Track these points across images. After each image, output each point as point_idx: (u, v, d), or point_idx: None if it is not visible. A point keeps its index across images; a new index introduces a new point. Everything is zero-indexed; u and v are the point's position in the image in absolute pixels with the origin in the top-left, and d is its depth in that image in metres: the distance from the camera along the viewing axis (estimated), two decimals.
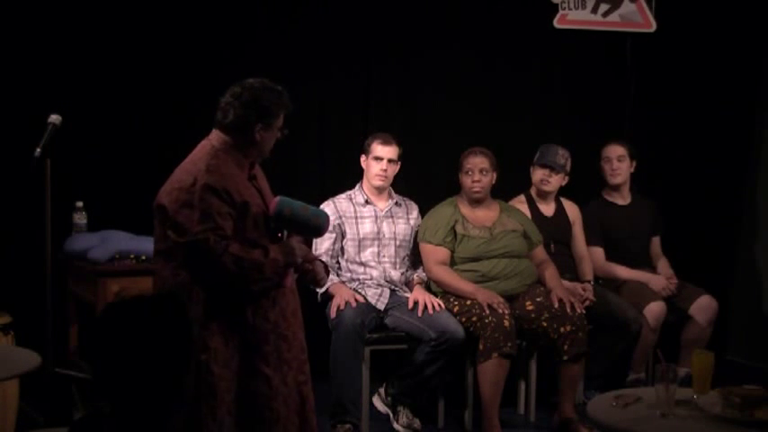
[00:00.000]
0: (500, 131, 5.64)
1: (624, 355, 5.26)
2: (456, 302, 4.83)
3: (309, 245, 3.65)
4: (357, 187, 5.03)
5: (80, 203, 4.89)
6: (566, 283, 5.10)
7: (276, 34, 5.35)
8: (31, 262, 4.15)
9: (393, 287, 4.92)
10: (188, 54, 5.15)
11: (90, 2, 5.00)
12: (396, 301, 4.86)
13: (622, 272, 5.41)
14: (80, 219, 4.88)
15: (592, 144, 5.59)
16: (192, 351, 2.21)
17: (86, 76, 4.98)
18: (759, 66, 6.07)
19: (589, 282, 5.29)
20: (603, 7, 5.70)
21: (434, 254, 4.93)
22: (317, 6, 5.43)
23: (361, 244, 4.93)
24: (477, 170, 4.97)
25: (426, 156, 5.55)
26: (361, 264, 4.92)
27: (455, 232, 4.95)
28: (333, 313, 4.69)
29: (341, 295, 4.73)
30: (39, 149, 3.82)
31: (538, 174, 5.32)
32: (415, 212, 5.12)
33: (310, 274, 3.56)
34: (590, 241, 5.43)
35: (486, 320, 4.67)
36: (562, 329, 4.78)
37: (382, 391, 5.03)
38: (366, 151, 4.97)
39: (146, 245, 4.65)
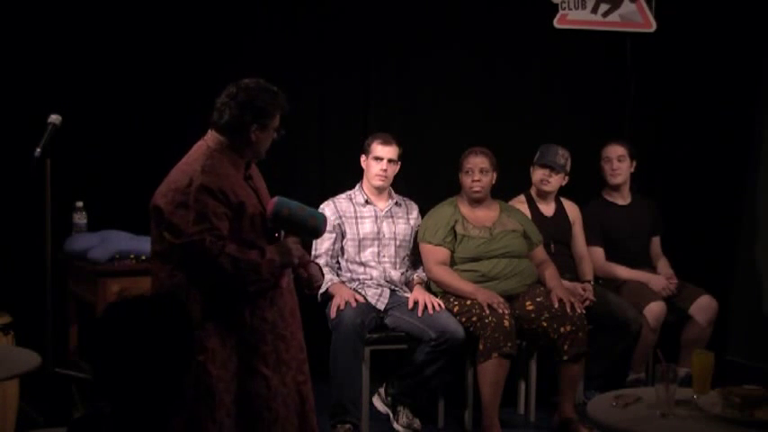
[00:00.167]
0: (500, 131, 5.63)
1: (624, 355, 5.26)
2: (456, 302, 4.83)
3: (308, 246, 3.65)
4: (357, 187, 5.03)
5: (80, 203, 4.89)
6: (566, 283, 5.10)
7: (276, 34, 5.35)
8: (31, 262, 4.16)
9: (393, 287, 4.92)
10: (188, 54, 5.15)
11: (90, 2, 5.00)
12: (396, 301, 4.86)
13: (622, 272, 5.41)
14: (80, 219, 4.88)
15: (592, 144, 5.59)
16: (192, 352, 2.21)
17: (86, 76, 4.98)
18: (759, 65, 6.07)
19: (589, 282, 5.29)
20: (603, 7, 5.70)
21: (434, 254, 4.93)
22: (317, 6, 5.43)
23: (361, 244, 4.93)
24: (478, 170, 4.97)
25: (426, 156, 5.55)
26: (361, 264, 4.92)
27: (455, 232, 4.95)
28: (333, 313, 4.69)
29: (341, 295, 4.73)
30: (39, 149, 3.82)
31: (538, 174, 5.32)
32: (415, 212, 5.12)
33: (305, 280, 3.56)
34: (590, 241, 5.43)
35: (486, 320, 4.67)
36: (562, 329, 4.78)
37: (382, 391, 5.03)
38: (366, 151, 4.97)
39: (146, 245, 4.62)
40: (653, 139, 6.01)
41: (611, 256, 5.46)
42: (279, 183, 3.86)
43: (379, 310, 4.81)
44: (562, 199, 5.44)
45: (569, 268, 5.30)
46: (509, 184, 5.32)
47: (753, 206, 6.18)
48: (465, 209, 5.03)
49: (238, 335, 3.35)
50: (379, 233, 4.96)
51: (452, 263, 4.95)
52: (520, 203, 5.31)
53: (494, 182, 5.04)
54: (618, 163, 5.49)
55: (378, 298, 4.82)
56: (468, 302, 4.78)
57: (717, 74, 5.99)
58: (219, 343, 3.31)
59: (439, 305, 4.77)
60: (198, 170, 3.30)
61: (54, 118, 3.95)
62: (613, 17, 5.72)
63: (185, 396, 2.16)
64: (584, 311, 4.89)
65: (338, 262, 4.96)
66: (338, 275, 4.91)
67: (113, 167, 5.04)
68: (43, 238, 3.90)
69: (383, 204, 5.02)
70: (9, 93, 4.87)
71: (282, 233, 3.50)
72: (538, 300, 4.87)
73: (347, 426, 4.60)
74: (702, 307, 5.34)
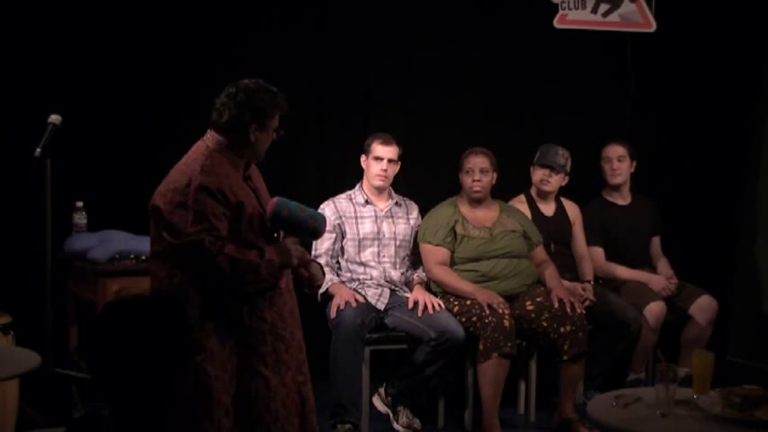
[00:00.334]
0: (500, 131, 5.64)
1: (624, 355, 5.26)
2: (456, 302, 4.83)
3: (308, 246, 3.65)
4: (357, 187, 5.03)
5: (80, 203, 4.89)
6: (566, 283, 5.10)
7: (275, 34, 5.35)
8: (31, 262, 4.15)
9: (393, 287, 4.92)
10: (188, 54, 5.16)
11: (90, 2, 5.00)
12: (396, 301, 4.86)
13: (622, 272, 5.41)
14: (80, 219, 4.88)
15: (592, 144, 5.59)
16: (190, 351, 2.21)
17: (86, 76, 4.98)
18: (759, 66, 6.06)
19: (589, 282, 5.29)
20: (603, 7, 5.70)
21: (434, 254, 4.93)
22: (317, 6, 5.43)
23: (361, 244, 4.93)
24: (478, 170, 4.97)
25: (426, 156, 5.55)
26: (361, 264, 4.93)
27: (455, 232, 4.95)
28: (333, 313, 4.69)
29: (341, 295, 4.73)
30: (39, 149, 3.81)
31: (538, 174, 5.32)
32: (415, 212, 5.12)
33: (306, 279, 3.55)
34: (590, 241, 5.43)
35: (486, 320, 4.67)
36: (562, 329, 4.78)
37: (382, 391, 5.03)
38: (366, 151, 4.97)
39: (146, 245, 4.60)
40: (653, 139, 6.01)
41: (611, 256, 5.46)
42: (279, 183, 3.86)
43: (379, 310, 4.81)
44: (562, 199, 5.44)
45: (569, 268, 5.30)
46: (509, 184, 5.32)
47: (753, 206, 6.17)
48: (465, 209, 5.03)
49: (237, 335, 3.35)
50: (379, 233, 4.96)
51: (452, 263, 4.95)
52: (520, 203, 5.31)
53: (494, 182, 5.04)
54: (618, 163, 5.49)
55: (378, 298, 4.82)
56: (468, 302, 4.78)
57: (717, 74, 5.98)
58: (218, 343, 3.31)
59: (439, 305, 4.77)
60: (197, 170, 3.29)
61: (54, 118, 3.95)
62: (613, 17, 5.72)
63: (183, 396, 2.15)
64: (584, 311, 4.89)
65: (338, 262, 4.96)
66: (338, 275, 4.91)
67: (113, 167, 5.04)
68: (43, 238, 3.89)
69: (383, 204, 5.02)
70: (9, 93, 4.87)
71: (282, 233, 3.49)
72: (538, 300, 4.87)
73: (347, 426, 4.60)
74: (702, 307, 5.34)
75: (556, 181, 5.30)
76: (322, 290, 4.71)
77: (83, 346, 4.82)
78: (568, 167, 5.31)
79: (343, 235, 4.93)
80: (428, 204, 5.14)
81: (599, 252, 5.45)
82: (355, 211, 4.96)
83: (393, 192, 5.08)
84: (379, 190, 5.00)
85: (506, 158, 5.24)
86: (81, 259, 4.73)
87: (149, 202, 3.36)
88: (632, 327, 5.14)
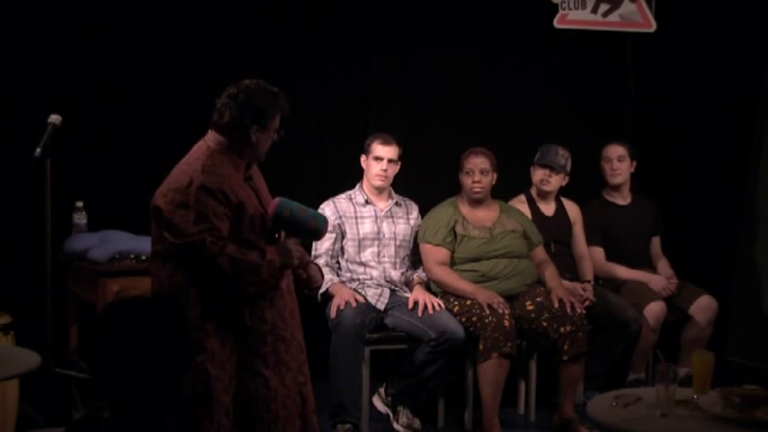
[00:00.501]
0: (500, 131, 5.64)
1: (624, 355, 5.26)
2: (456, 302, 4.83)
3: (308, 247, 3.65)
4: (357, 187, 5.03)
5: (80, 203, 4.89)
6: (566, 283, 5.10)
7: (276, 34, 5.35)
8: (31, 262, 4.15)
9: (393, 287, 4.92)
10: (188, 54, 5.16)
11: (90, 2, 5.00)
12: (396, 301, 4.86)
13: (622, 272, 5.41)
14: (80, 219, 4.88)
15: (592, 144, 5.59)
16: (191, 352, 2.21)
17: (86, 76, 4.98)
18: (759, 66, 6.07)
19: (589, 282, 5.29)
20: (603, 7, 5.69)
21: (434, 254, 4.93)
22: (317, 6, 5.43)
23: (361, 244, 4.93)
24: (478, 170, 4.97)
25: (426, 156, 5.55)
26: (361, 264, 4.93)
27: (455, 233, 4.95)
28: (333, 313, 4.69)
29: (341, 295, 4.73)
30: (39, 149, 3.81)
31: (538, 174, 5.32)
32: (415, 212, 5.12)
33: (304, 280, 3.56)
34: (590, 241, 5.43)
35: (486, 320, 4.67)
36: (562, 329, 4.78)
37: (382, 391, 5.03)
38: (366, 151, 4.97)
39: (146, 245, 4.61)
40: (653, 139, 6.01)
41: (611, 256, 5.46)
42: (279, 183, 3.86)
43: (379, 310, 4.81)
44: (562, 199, 5.44)
45: (569, 268, 5.30)
46: (509, 184, 5.32)
47: (753, 206, 6.17)
48: (465, 209, 5.03)
49: (238, 335, 3.35)
50: (379, 233, 4.96)
51: (452, 263, 4.95)
52: (520, 203, 5.31)
53: (494, 182, 5.04)
54: (618, 163, 5.49)
55: (378, 298, 4.82)
56: (468, 302, 4.78)
57: (717, 74, 5.98)
58: (218, 343, 3.31)
59: (439, 305, 4.77)
60: (198, 170, 3.29)
61: (54, 118, 3.95)
62: (613, 17, 5.71)
63: (183, 396, 2.15)
64: (584, 311, 4.89)
65: (338, 262, 4.96)
66: (338, 275, 4.91)
67: (113, 167, 5.04)
68: (43, 238, 3.89)
69: (383, 204, 5.02)
70: (9, 93, 4.87)
71: (283, 234, 3.49)
72: (538, 300, 4.87)
73: (347, 426, 4.60)
74: (702, 307, 5.34)
75: (556, 181, 5.30)
76: (322, 290, 4.71)
77: (83, 346, 4.82)
78: (568, 167, 5.31)
79: (343, 235, 4.93)
80: (428, 204, 5.14)
81: (599, 252, 5.45)
82: (355, 211, 4.96)
83: (393, 192, 5.08)
84: (379, 190, 5.00)
85: (506, 158, 5.24)
86: (81, 259, 4.73)
87: (150, 203, 3.36)
88: (632, 327, 5.14)
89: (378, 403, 5.03)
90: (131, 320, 2.15)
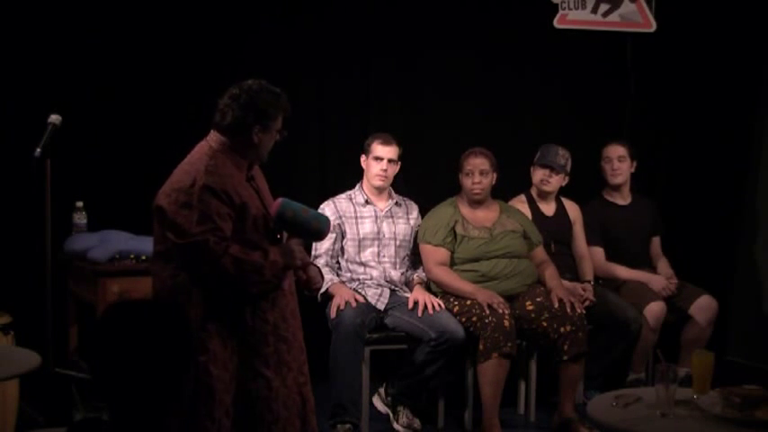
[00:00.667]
0: (500, 131, 5.64)
1: (624, 355, 5.26)
2: (456, 302, 4.83)
3: (308, 247, 3.65)
4: (357, 187, 5.03)
5: (80, 203, 4.89)
6: (566, 283, 5.10)
7: (276, 34, 5.35)
8: (31, 262, 4.15)
9: (393, 287, 4.92)
10: (188, 54, 5.16)
11: (90, 2, 5.00)
12: (396, 301, 4.86)
13: (622, 272, 5.41)
14: (80, 219, 4.88)
15: (592, 144, 5.59)
16: (191, 356, 2.21)
17: (86, 76, 4.98)
18: (759, 66, 6.07)
19: (589, 282, 5.29)
20: (603, 7, 5.70)
21: (434, 254, 4.93)
22: (317, 6, 5.43)
23: (361, 244, 4.93)
24: (478, 171, 4.97)
25: (426, 156, 5.55)
26: (361, 264, 4.93)
27: (455, 233, 4.94)
28: (333, 313, 4.69)
29: (341, 295, 4.73)
30: (39, 149, 3.81)
31: (538, 174, 5.32)
32: (415, 212, 5.12)
33: (304, 281, 3.56)
34: (590, 241, 5.43)
35: (486, 320, 4.67)
36: (562, 329, 4.78)
37: (382, 391, 5.03)
38: (366, 151, 4.97)
39: (146, 245, 4.64)
40: (653, 139, 6.01)
41: (611, 256, 5.46)
42: (279, 183, 3.86)
43: (379, 310, 4.81)
44: (563, 198, 5.44)
45: (569, 268, 5.30)
46: (509, 184, 5.32)
47: (753, 206, 6.17)
48: (465, 209, 5.03)
49: (240, 336, 3.35)
50: (379, 233, 4.96)
51: (452, 263, 4.95)
52: (520, 203, 5.31)
53: (494, 182, 5.04)
54: (618, 163, 5.49)
55: (378, 298, 4.82)
56: (468, 302, 4.78)
57: (717, 74, 5.98)
58: (221, 344, 3.31)
59: (439, 305, 4.77)
60: (201, 170, 3.29)
61: (54, 118, 3.94)
62: (613, 17, 5.71)
63: (183, 398, 2.15)
64: (584, 311, 4.89)
65: (338, 262, 4.96)
66: (338, 275, 4.91)
67: (113, 167, 5.04)
68: (43, 238, 3.89)
69: (383, 204, 5.02)
70: (9, 93, 4.87)
71: (285, 234, 3.49)
72: (538, 300, 4.87)
73: (347, 426, 4.60)
74: (702, 307, 5.34)
75: (556, 181, 5.30)
76: (322, 290, 4.71)
77: (83, 347, 4.82)
78: (569, 168, 5.31)
79: (343, 235, 4.93)
80: (428, 204, 5.14)
81: (599, 252, 5.45)
82: (355, 211, 4.96)
83: (393, 192, 5.08)
84: (379, 190, 5.00)
85: (506, 158, 5.24)
86: (81, 259, 4.73)
87: (153, 203, 3.36)
88: (632, 327, 5.14)
89: (378, 403, 5.03)
90: (132, 322, 2.15)
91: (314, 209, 3.63)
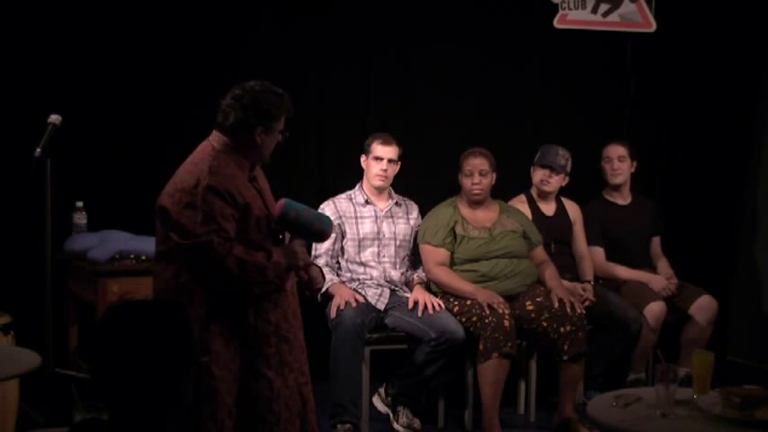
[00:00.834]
0: (500, 131, 5.64)
1: (624, 355, 5.26)
2: (456, 302, 4.83)
3: (308, 248, 3.65)
4: (357, 187, 5.03)
5: (80, 203, 4.89)
6: (566, 283, 5.09)
7: (276, 34, 5.35)
8: (31, 262, 4.15)
9: (393, 287, 4.92)
10: (188, 54, 5.16)
11: (90, 2, 5.00)
12: (396, 301, 4.86)
13: (622, 272, 5.41)
14: (80, 219, 4.88)
15: (592, 144, 5.59)
16: (192, 357, 2.20)
17: (86, 76, 4.98)
18: (759, 66, 6.07)
19: (589, 282, 5.29)
20: (603, 7, 5.70)
21: (434, 255, 4.93)
22: (317, 6, 5.43)
23: (361, 244, 4.93)
24: (477, 172, 4.96)
25: (426, 156, 5.55)
26: (361, 264, 4.93)
27: (455, 233, 4.94)
28: (333, 313, 4.69)
29: (341, 295, 4.73)
30: (39, 149, 3.81)
31: (538, 174, 5.32)
32: (415, 212, 5.12)
33: (305, 282, 3.56)
34: (590, 241, 5.43)
35: (486, 320, 4.67)
36: (562, 329, 4.78)
37: (382, 391, 5.03)
38: (366, 151, 4.97)
39: (146, 245, 4.65)
40: (653, 139, 6.01)
41: (611, 256, 5.46)
42: (279, 183, 3.86)
43: (379, 310, 4.81)
44: (563, 198, 5.44)
45: (569, 268, 5.30)
46: (509, 184, 5.32)
47: (753, 206, 6.18)
48: (465, 209, 5.03)
49: (242, 336, 3.35)
50: (379, 233, 4.96)
51: (452, 263, 4.95)
52: (520, 203, 5.31)
53: (493, 182, 5.04)
54: (618, 163, 5.49)
55: (378, 298, 4.82)
56: (468, 302, 4.78)
57: (717, 74, 5.99)
58: (223, 344, 3.31)
59: (439, 305, 4.77)
60: (205, 170, 3.29)
61: (54, 118, 3.94)
62: (613, 17, 5.72)
63: (184, 399, 2.15)
64: (584, 311, 4.89)
65: (338, 262, 4.96)
66: (338, 275, 4.91)
67: (113, 167, 5.04)
68: (43, 238, 3.89)
69: (383, 204, 5.02)
70: (9, 93, 4.87)
71: (287, 235, 3.50)
72: (538, 300, 4.87)
73: (347, 426, 4.60)
74: (702, 307, 5.34)
75: (556, 181, 5.30)
76: (322, 290, 4.71)
77: (84, 347, 4.81)
78: (569, 168, 5.31)
79: (343, 235, 4.93)
80: (428, 204, 5.14)
81: (599, 252, 5.45)
82: (355, 211, 4.96)
83: (393, 192, 5.08)
84: (379, 190, 5.00)
85: (506, 158, 5.24)
86: (81, 259, 4.73)
87: (156, 203, 3.35)
88: (632, 327, 5.14)
89: (378, 403, 5.03)
90: (133, 323, 2.15)
91: (314, 209, 3.63)
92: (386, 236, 4.97)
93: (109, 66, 5.03)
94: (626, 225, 5.50)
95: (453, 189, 5.11)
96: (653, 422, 3.32)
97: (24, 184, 3.92)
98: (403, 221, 5.04)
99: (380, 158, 4.92)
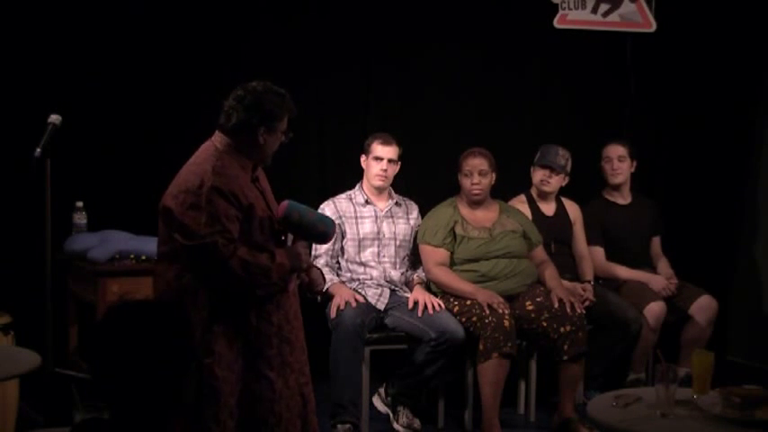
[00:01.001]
0: (500, 131, 5.64)
1: (624, 355, 5.26)
2: (456, 302, 4.83)
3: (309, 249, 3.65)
4: (357, 187, 5.03)
5: (80, 203, 4.89)
6: (566, 283, 5.09)
7: (276, 34, 5.35)
8: (31, 262, 4.15)
9: (393, 287, 4.92)
10: (188, 54, 5.16)
11: (90, 2, 5.00)
12: (396, 301, 4.86)
13: (622, 272, 5.41)
14: (80, 219, 4.88)
15: (592, 144, 5.59)
16: (192, 358, 2.20)
17: (86, 76, 4.98)
18: (759, 65, 6.07)
19: (589, 282, 5.29)
20: (603, 7, 5.70)
21: (434, 255, 4.93)
22: (317, 6, 5.43)
23: (361, 244, 4.93)
24: (477, 172, 4.96)
25: (426, 156, 5.55)
26: (361, 264, 4.93)
27: (454, 233, 4.94)
28: (333, 313, 4.69)
29: (341, 295, 4.73)
30: (39, 149, 3.81)
31: (538, 174, 5.32)
32: (415, 212, 5.12)
33: (306, 284, 3.56)
34: (590, 241, 5.43)
35: (486, 320, 4.67)
36: (562, 329, 4.78)
37: (382, 391, 5.03)
38: (366, 151, 4.97)
39: (146, 245, 4.65)
40: (653, 139, 6.01)
41: (611, 256, 5.46)
42: (279, 183, 3.86)
43: (379, 310, 4.81)
44: (563, 198, 5.43)
45: (569, 268, 5.30)
46: (509, 184, 5.32)
47: (753, 206, 6.18)
48: (464, 210, 5.03)
49: (245, 338, 3.35)
50: (379, 233, 4.96)
51: (452, 263, 4.95)
52: (520, 203, 5.31)
53: (493, 182, 5.04)
54: (618, 163, 5.49)
55: (378, 298, 4.82)
56: (468, 302, 4.78)
57: (717, 74, 5.99)
58: (226, 345, 3.30)
59: (439, 305, 4.77)
60: (209, 171, 3.28)
61: (54, 118, 3.94)
62: (613, 17, 5.72)
63: (186, 399, 2.14)
64: (584, 311, 4.89)
65: (338, 262, 4.96)
66: (338, 275, 4.91)
67: (113, 167, 5.04)
68: (43, 238, 3.89)
69: (383, 204, 5.02)
70: (9, 93, 4.87)
71: (289, 236, 3.50)
72: (538, 300, 4.87)
73: (347, 426, 4.60)
74: (702, 307, 5.34)
75: (556, 182, 5.30)
76: (323, 291, 4.71)
77: (84, 347, 4.81)
78: (569, 168, 5.31)
79: (343, 235, 4.93)
80: (428, 204, 5.14)
81: (599, 252, 5.45)
82: (355, 211, 4.96)
83: (393, 192, 5.08)
84: (379, 190, 4.99)
85: (506, 158, 5.24)
86: (81, 259, 4.73)
87: (159, 204, 3.34)
88: (632, 327, 5.14)
89: (378, 403, 5.03)
90: (133, 323, 2.15)
91: (314, 209, 3.63)
92: (386, 236, 4.97)
93: (109, 66, 5.03)
94: (626, 225, 5.50)
95: (453, 189, 5.11)
96: (653, 422, 3.32)
97: (24, 184, 3.91)
98: (403, 221, 5.04)
99: (380, 158, 4.92)
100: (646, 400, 3.48)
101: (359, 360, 4.69)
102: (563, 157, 5.28)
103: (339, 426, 4.59)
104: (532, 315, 4.83)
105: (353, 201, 4.99)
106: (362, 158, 5.00)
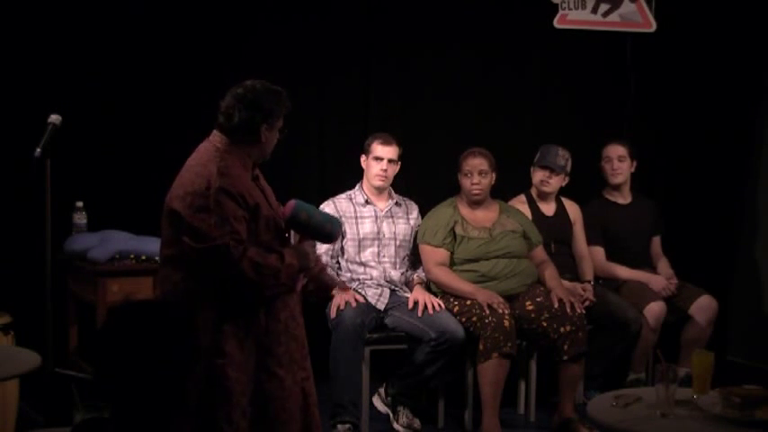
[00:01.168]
0: (500, 132, 5.64)
1: (624, 355, 5.26)
2: (456, 302, 4.83)
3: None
4: (357, 187, 5.03)
5: (80, 203, 4.89)
6: (566, 283, 5.09)
7: (276, 34, 5.35)
8: (31, 262, 4.15)
9: (393, 287, 4.92)
10: (188, 54, 5.16)
11: (90, 2, 5.00)
12: (396, 301, 4.86)
13: (622, 272, 5.41)
14: (80, 219, 4.88)
15: (592, 144, 5.59)
16: (197, 358, 2.20)
17: (86, 76, 4.98)
18: (759, 65, 6.07)
19: (589, 282, 5.29)
20: (603, 7, 5.70)
21: (434, 255, 4.93)
22: (317, 6, 5.43)
23: (361, 244, 4.93)
24: (477, 172, 4.96)
25: (426, 156, 5.55)
26: (361, 264, 4.93)
27: (454, 233, 4.94)
28: (333, 313, 4.69)
29: (341, 295, 4.73)
30: (39, 149, 3.81)
31: (538, 175, 5.32)
32: (415, 212, 5.12)
33: (311, 291, 3.57)
34: (590, 241, 5.43)
35: (486, 320, 4.67)
36: (562, 329, 4.78)
37: (382, 391, 5.03)
38: (366, 151, 4.97)
39: (146, 245, 4.66)
40: (653, 139, 6.01)
41: (611, 256, 5.46)
42: (279, 183, 3.86)
43: (379, 310, 4.81)
44: (563, 198, 5.43)
45: (569, 268, 5.30)
46: (509, 184, 5.32)
47: (753, 206, 6.18)
48: (464, 210, 5.03)
49: (255, 337, 3.34)
50: (379, 233, 4.96)
51: (452, 263, 4.95)
52: (520, 203, 5.31)
53: (493, 182, 5.04)
54: (618, 163, 5.49)
55: (378, 298, 4.82)
56: (468, 302, 4.78)
57: (717, 74, 5.98)
58: (237, 346, 3.30)
59: (439, 305, 4.77)
60: (214, 172, 3.26)
61: (54, 118, 3.94)
62: (613, 17, 5.72)
63: (190, 399, 2.14)
64: (584, 311, 4.89)
65: (338, 262, 4.96)
66: (338, 275, 4.91)
67: (113, 167, 5.04)
68: (43, 238, 3.89)
69: (383, 204, 5.02)
70: (9, 93, 4.87)
71: (292, 234, 3.50)
72: (538, 300, 4.87)
73: (347, 426, 4.60)
74: (702, 307, 5.34)
75: (556, 182, 5.30)
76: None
77: (87, 348, 4.82)
78: (569, 168, 5.31)
79: (343, 235, 4.93)
80: (428, 204, 5.14)
81: (599, 252, 5.45)
82: (355, 211, 4.96)
83: (393, 192, 5.08)
84: (379, 190, 5.00)
85: (506, 159, 5.24)
86: (81, 259, 4.73)
87: (165, 206, 3.32)
88: (632, 327, 5.14)
89: (378, 403, 5.03)
90: (137, 323, 2.15)
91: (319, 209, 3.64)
92: (386, 236, 4.97)
93: (109, 66, 5.03)
94: (626, 225, 5.50)
95: (453, 189, 5.11)
96: (653, 422, 3.32)
97: (24, 184, 3.92)
98: (403, 221, 5.05)
99: (380, 158, 4.92)
100: (646, 400, 3.48)
101: (359, 360, 4.69)
102: (563, 157, 5.28)
103: (339, 426, 4.59)
104: (532, 315, 4.83)
105: (353, 201, 4.99)
106: (362, 158, 5.00)
